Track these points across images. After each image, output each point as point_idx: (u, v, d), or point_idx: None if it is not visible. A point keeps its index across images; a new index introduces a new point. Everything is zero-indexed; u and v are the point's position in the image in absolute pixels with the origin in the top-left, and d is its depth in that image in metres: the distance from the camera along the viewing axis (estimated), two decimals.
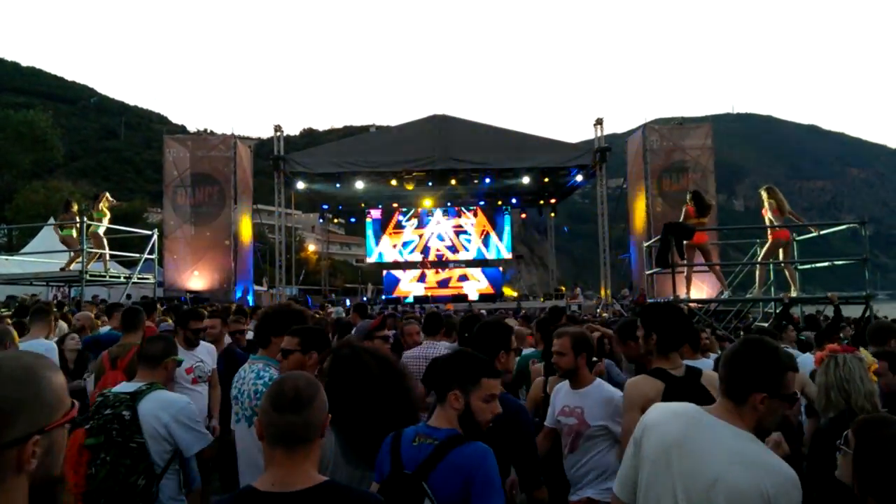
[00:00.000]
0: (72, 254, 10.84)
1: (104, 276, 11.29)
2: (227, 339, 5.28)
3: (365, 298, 25.92)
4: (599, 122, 17.54)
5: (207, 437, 2.96)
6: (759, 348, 1.81)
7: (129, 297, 11.30)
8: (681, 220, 9.13)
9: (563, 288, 24.86)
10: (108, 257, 11.61)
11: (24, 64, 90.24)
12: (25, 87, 76.43)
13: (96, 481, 2.61)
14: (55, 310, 6.08)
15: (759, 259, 9.03)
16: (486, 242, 24.56)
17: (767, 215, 8.96)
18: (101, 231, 11.12)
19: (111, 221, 11.79)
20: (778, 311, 8.17)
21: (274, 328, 3.01)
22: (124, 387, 2.92)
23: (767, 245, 8.93)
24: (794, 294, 8.61)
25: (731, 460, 1.67)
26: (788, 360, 1.82)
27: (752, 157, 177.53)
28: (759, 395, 1.74)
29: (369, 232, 24.90)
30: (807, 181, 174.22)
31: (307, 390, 1.59)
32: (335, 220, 29.75)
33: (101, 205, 11.27)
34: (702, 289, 11.67)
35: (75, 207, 11.27)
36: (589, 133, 18.07)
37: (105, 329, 5.75)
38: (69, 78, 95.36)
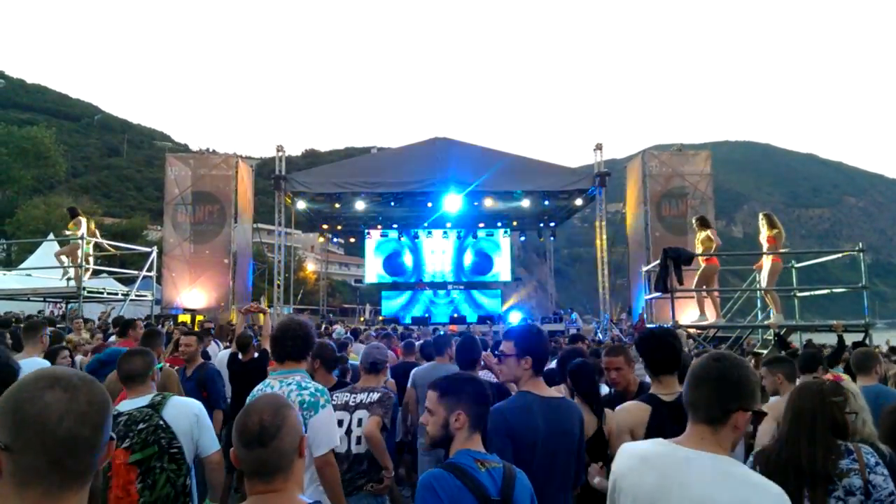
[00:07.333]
0: (69, 270, 10.82)
1: (102, 293, 11.26)
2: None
3: (363, 319, 25.90)
4: (599, 146, 17.66)
5: (217, 444, 3.03)
6: (736, 362, 1.71)
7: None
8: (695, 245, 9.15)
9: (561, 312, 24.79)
10: (90, 272, 11.56)
11: (29, 81, 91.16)
12: (30, 103, 77.11)
13: (156, 491, 2.69)
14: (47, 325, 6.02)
15: (766, 285, 8.98)
16: (484, 264, 24.57)
17: (762, 240, 8.97)
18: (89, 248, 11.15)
19: (111, 238, 11.82)
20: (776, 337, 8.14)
21: (309, 343, 3.15)
22: (136, 402, 2.89)
23: (769, 270, 8.87)
24: (776, 320, 8.63)
25: (721, 488, 1.56)
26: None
27: (750, 184, 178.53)
28: (742, 413, 1.66)
29: (368, 252, 24.94)
30: (805, 209, 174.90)
31: (273, 421, 1.53)
32: (335, 240, 29.77)
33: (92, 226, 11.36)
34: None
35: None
36: (589, 158, 18.21)
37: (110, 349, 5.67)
38: (74, 95, 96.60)
